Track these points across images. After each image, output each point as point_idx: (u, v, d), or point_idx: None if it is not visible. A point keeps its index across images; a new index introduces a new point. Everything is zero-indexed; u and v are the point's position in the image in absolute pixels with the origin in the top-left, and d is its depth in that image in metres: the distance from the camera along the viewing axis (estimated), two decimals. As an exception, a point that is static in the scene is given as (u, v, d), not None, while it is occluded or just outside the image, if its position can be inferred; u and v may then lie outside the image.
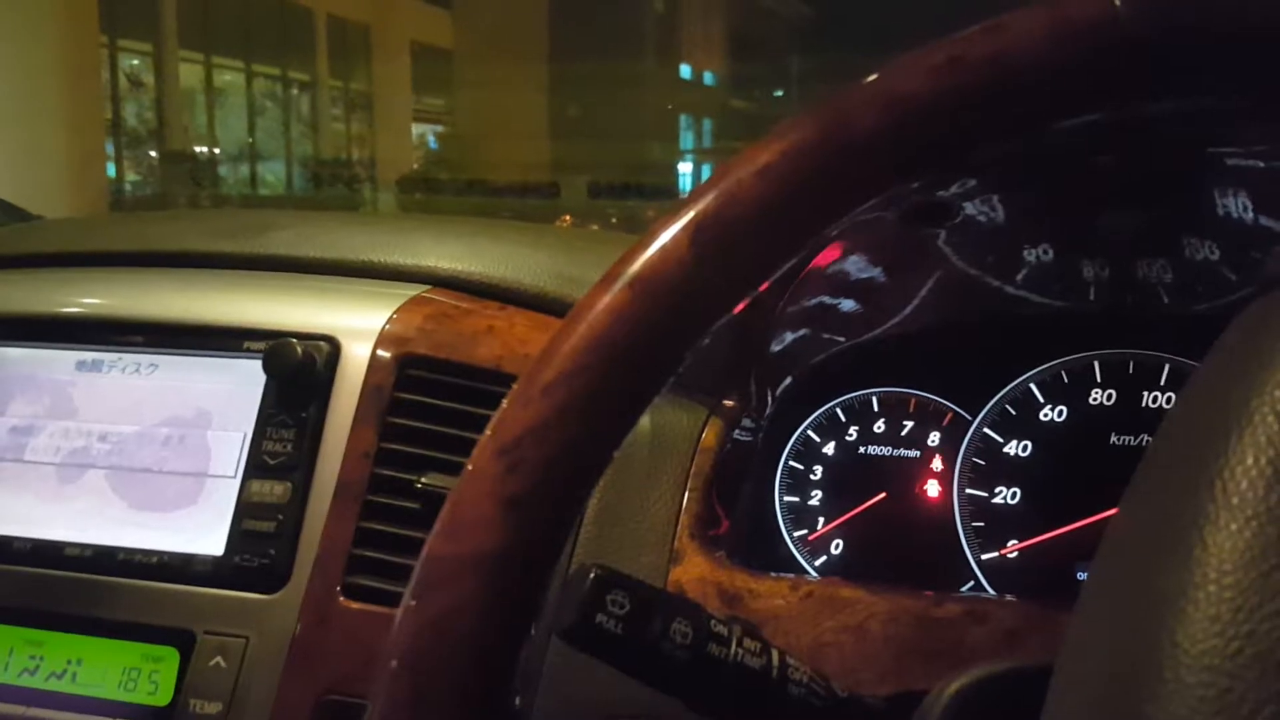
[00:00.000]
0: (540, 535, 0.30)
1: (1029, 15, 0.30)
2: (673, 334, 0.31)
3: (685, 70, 16.47)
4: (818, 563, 0.68)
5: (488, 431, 0.30)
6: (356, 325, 0.65)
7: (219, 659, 0.59)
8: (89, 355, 0.68)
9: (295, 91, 13.41)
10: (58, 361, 0.68)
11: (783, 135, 0.31)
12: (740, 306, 0.31)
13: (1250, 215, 0.58)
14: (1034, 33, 0.30)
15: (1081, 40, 0.29)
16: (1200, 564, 0.22)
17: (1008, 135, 0.31)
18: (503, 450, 0.30)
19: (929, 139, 0.31)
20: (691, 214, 0.31)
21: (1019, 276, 0.66)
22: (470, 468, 0.30)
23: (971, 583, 0.65)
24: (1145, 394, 0.64)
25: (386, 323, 0.65)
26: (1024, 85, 0.30)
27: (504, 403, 0.30)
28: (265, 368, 0.63)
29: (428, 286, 0.71)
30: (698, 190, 0.31)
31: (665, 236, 0.31)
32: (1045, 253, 0.64)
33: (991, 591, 0.64)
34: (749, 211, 0.30)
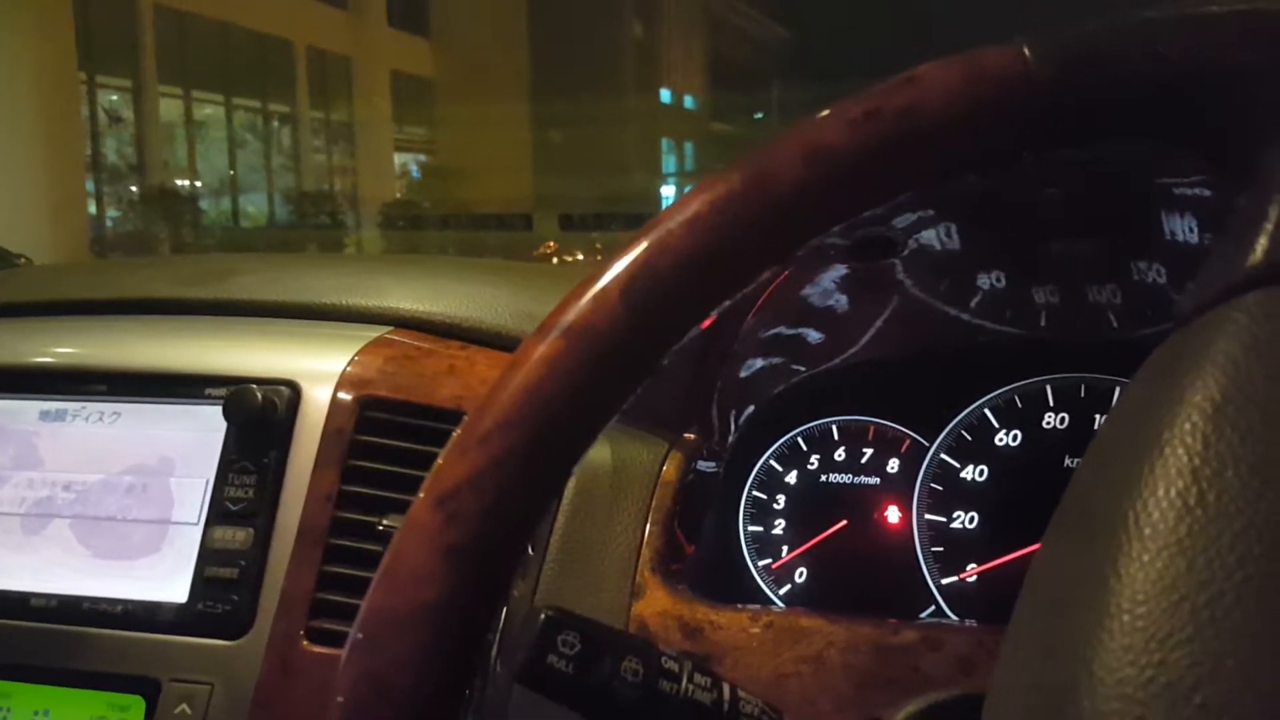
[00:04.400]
0: (480, 584, 0.30)
1: (942, 67, 0.31)
2: (606, 382, 0.31)
3: (666, 95, 16.57)
4: (782, 591, 0.69)
5: (426, 482, 0.31)
6: (317, 369, 0.66)
7: (184, 706, 0.59)
8: (52, 405, 0.68)
9: (276, 124, 13.43)
10: (21, 412, 0.68)
11: (710, 187, 0.32)
12: (676, 349, 0.32)
13: (1196, 238, 0.59)
14: (947, 84, 0.31)
15: (993, 90, 0.30)
16: (1115, 594, 0.23)
17: (926, 183, 0.32)
18: (441, 500, 0.30)
19: (850, 189, 0.31)
20: (623, 264, 0.31)
21: (972, 304, 0.67)
22: (409, 519, 0.30)
23: (932, 607, 0.65)
24: (1097, 417, 0.65)
25: (348, 365, 0.66)
26: (938, 135, 0.31)
27: (442, 453, 0.31)
28: (225, 414, 0.63)
29: (390, 328, 0.71)
30: (630, 240, 0.32)
31: (598, 286, 0.31)
32: (998, 280, 0.65)
33: (952, 615, 0.64)
34: (678, 261, 0.31)
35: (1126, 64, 0.30)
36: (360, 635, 0.29)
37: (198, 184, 12.27)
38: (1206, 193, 0.54)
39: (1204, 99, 0.30)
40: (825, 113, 0.32)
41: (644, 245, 0.32)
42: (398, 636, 0.29)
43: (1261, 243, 0.27)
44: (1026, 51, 0.30)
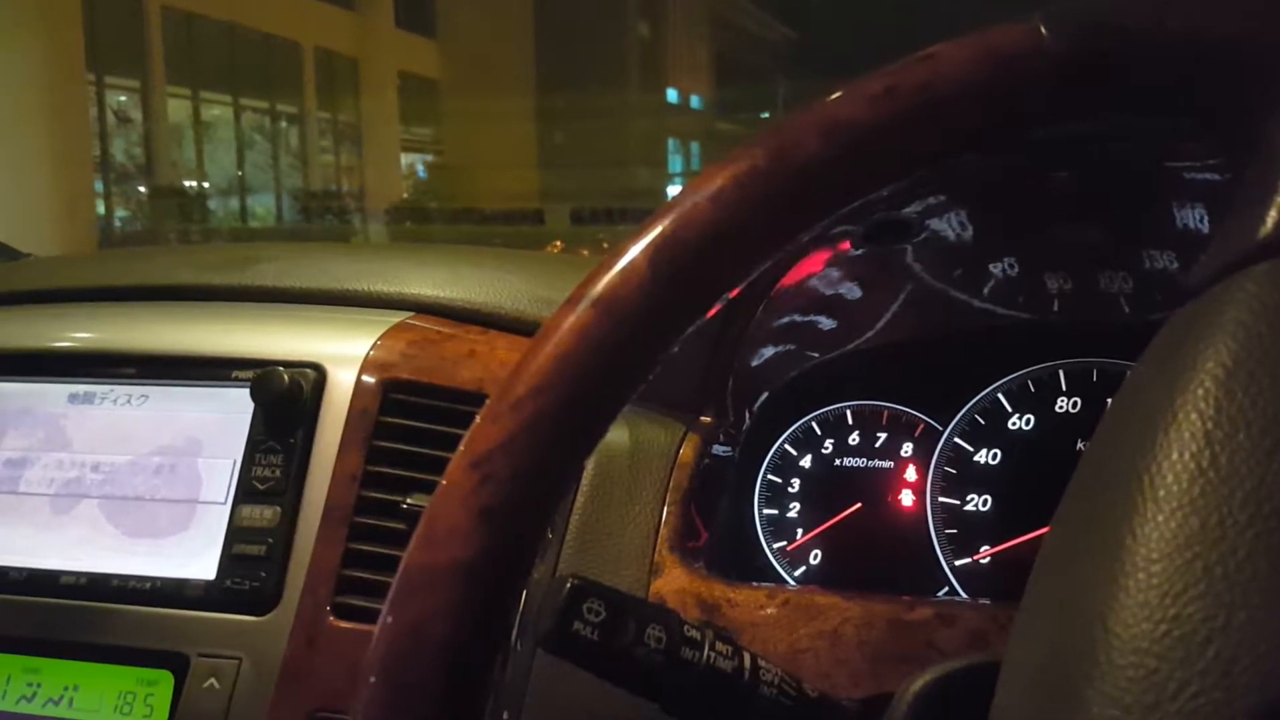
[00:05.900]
0: (513, 543, 0.31)
1: (959, 44, 0.32)
2: (634, 351, 0.32)
3: (672, 95, 16.56)
4: (797, 573, 0.70)
5: (461, 446, 0.31)
6: (341, 352, 0.67)
7: (212, 680, 0.60)
8: (81, 388, 0.69)
9: (284, 124, 13.46)
10: (50, 395, 0.69)
11: (734, 161, 0.33)
12: (702, 321, 0.33)
13: (1205, 227, 0.59)
14: (963, 60, 0.31)
15: (1008, 66, 0.31)
16: (1130, 554, 0.23)
17: (944, 158, 0.33)
18: (475, 463, 0.31)
19: (869, 163, 0.32)
20: (650, 237, 0.32)
21: (985, 290, 0.68)
22: (445, 481, 0.31)
23: (946, 588, 0.66)
24: (1109, 401, 0.65)
25: (371, 349, 0.67)
26: (955, 110, 0.32)
27: (477, 418, 0.32)
28: (253, 396, 0.64)
29: (411, 313, 0.72)
30: (656, 214, 0.33)
31: (626, 258, 0.32)
32: (1010, 267, 0.66)
33: (965, 596, 0.65)
34: (704, 234, 0.32)
35: (1134, 37, 0.31)
36: (398, 589, 0.30)
37: (206, 184, 12.30)
38: (1217, 177, 0.55)
39: (1210, 72, 0.30)
40: (844, 89, 0.33)
41: (670, 218, 0.32)
42: (434, 590, 0.30)
43: (1271, 214, 0.28)
44: (1042, 28, 0.31)
